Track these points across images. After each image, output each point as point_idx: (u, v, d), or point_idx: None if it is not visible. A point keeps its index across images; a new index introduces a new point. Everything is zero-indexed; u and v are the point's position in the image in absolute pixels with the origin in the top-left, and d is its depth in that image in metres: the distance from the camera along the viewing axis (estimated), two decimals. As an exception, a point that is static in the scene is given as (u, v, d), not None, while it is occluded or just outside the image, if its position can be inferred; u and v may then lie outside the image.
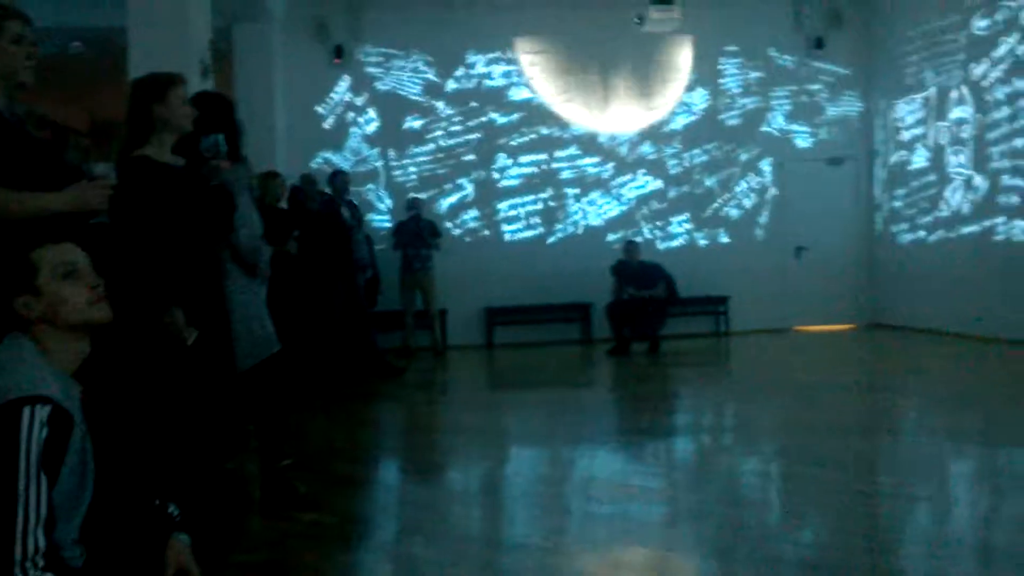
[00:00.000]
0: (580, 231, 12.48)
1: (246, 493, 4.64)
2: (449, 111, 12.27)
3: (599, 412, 7.84)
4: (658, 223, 12.58)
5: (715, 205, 12.67)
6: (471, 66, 12.31)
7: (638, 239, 11.91)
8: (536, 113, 12.36)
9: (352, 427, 7.18)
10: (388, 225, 11.85)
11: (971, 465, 5.46)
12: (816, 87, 12.74)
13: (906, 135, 12.11)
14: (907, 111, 12.05)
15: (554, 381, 9.63)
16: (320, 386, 8.29)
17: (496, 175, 12.36)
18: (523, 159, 12.38)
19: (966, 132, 10.91)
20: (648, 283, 10.87)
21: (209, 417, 3.69)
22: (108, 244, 3.22)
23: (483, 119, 12.31)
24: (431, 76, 12.24)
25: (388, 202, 12.16)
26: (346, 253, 9.08)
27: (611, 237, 12.31)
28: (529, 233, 12.43)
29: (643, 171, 12.55)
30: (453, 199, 12.29)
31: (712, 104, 12.61)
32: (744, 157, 12.68)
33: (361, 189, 11.76)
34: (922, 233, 11.80)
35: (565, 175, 12.45)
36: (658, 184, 12.57)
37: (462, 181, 12.30)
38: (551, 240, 12.45)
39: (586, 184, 12.48)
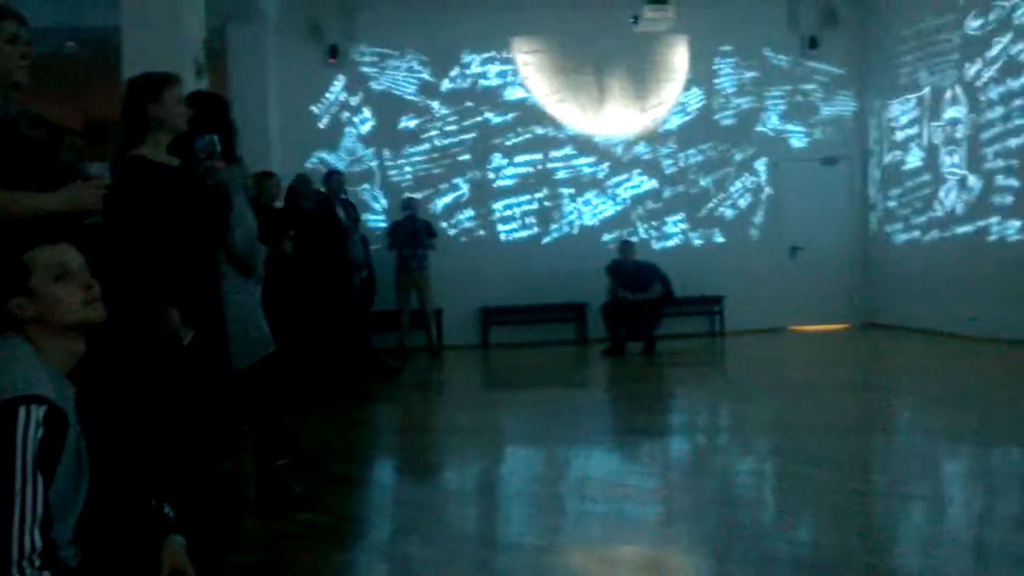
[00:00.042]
0: (575, 231, 12.49)
1: (242, 493, 4.64)
2: (444, 111, 12.27)
3: (594, 412, 7.85)
4: (653, 223, 12.60)
5: (710, 205, 12.69)
6: (466, 66, 12.31)
7: (633, 239, 11.92)
8: (531, 113, 12.37)
9: (347, 427, 7.18)
10: (383, 225, 11.85)
11: (965, 464, 5.47)
12: (811, 87, 12.77)
13: (900, 135, 12.14)
14: (901, 111, 12.08)
15: (549, 381, 9.64)
16: (316, 386, 8.29)
17: (491, 175, 12.37)
18: (518, 159, 12.38)
19: (960, 132, 10.93)
20: (643, 283, 10.86)
21: (204, 417, 3.68)
22: (103, 244, 3.21)
23: (478, 119, 12.31)
24: (426, 76, 12.24)
25: (383, 202, 12.15)
26: (341, 253, 9.07)
27: (606, 237, 12.32)
28: (524, 233, 12.44)
29: (638, 171, 12.57)
30: (448, 199, 12.29)
31: (707, 104, 12.63)
32: (739, 157, 12.70)
33: (356, 189, 11.74)
34: (916, 233, 11.83)
35: (560, 175, 12.46)
36: (653, 184, 12.59)
37: (457, 181, 12.30)
38: (546, 240, 12.46)
39: (581, 184, 12.49)
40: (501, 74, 12.37)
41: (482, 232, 12.35)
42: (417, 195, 11.88)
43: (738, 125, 12.66)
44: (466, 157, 12.30)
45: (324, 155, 11.99)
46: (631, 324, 10.84)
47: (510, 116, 12.34)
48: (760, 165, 12.73)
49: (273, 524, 4.34)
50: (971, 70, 10.69)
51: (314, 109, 12.06)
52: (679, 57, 12.54)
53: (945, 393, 7.71)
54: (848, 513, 4.34)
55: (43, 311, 2.21)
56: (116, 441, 2.29)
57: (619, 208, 12.54)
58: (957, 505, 4.61)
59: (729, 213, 12.72)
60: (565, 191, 12.47)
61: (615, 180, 12.53)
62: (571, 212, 12.49)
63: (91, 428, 2.22)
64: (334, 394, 8.42)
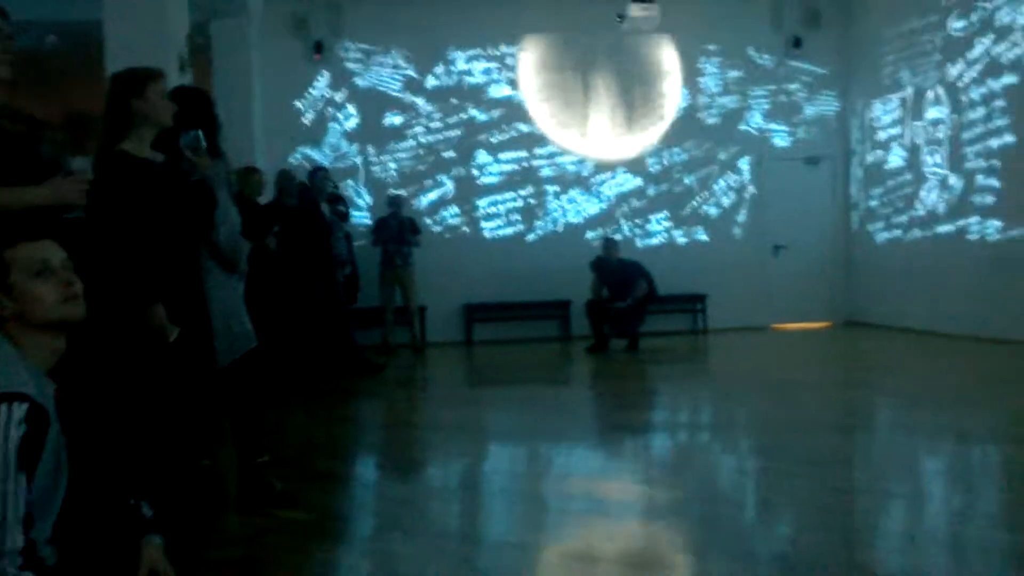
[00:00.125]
0: (560, 228, 12.51)
1: (222, 490, 4.62)
2: (429, 107, 12.25)
3: (578, 409, 7.86)
4: (637, 221, 12.62)
5: (694, 203, 12.73)
6: (451, 63, 12.30)
7: (617, 237, 11.94)
8: (516, 110, 12.37)
9: (330, 423, 7.17)
10: (367, 222, 11.82)
11: (945, 461, 5.52)
12: (794, 86, 12.82)
13: (882, 135, 12.21)
14: (884, 111, 12.16)
15: (533, 378, 9.65)
16: (299, 382, 8.27)
17: (476, 172, 12.36)
18: (503, 156, 12.38)
19: (942, 132, 11.01)
20: (627, 280, 10.88)
21: (186, 414, 3.67)
22: (84, 239, 3.19)
23: (463, 116, 12.30)
24: (411, 72, 12.22)
25: (367, 198, 12.12)
26: (325, 249, 9.05)
27: (590, 235, 12.34)
28: (509, 230, 12.44)
29: (622, 169, 12.59)
30: (433, 196, 12.28)
31: (691, 103, 12.66)
32: (723, 156, 12.74)
33: (340, 185, 11.70)
34: (898, 232, 11.91)
35: (545, 172, 12.47)
36: (637, 182, 12.62)
37: (442, 178, 12.29)
38: (531, 237, 12.47)
39: (566, 181, 12.51)
40: (486, 71, 12.36)
41: (466, 229, 12.35)
42: (402, 192, 11.86)
43: (722, 124, 12.71)
44: (451, 154, 12.29)
45: (308, 151, 11.96)
46: (615, 322, 10.86)
47: (495, 113, 12.33)
48: (744, 164, 12.78)
49: (254, 520, 4.32)
50: (953, 71, 10.77)
51: (298, 104, 12.02)
52: (664, 56, 12.56)
53: (926, 391, 7.77)
54: (829, 510, 4.37)
55: (22, 308, 2.19)
56: (95, 439, 2.28)
57: (603, 206, 12.56)
58: (937, 502, 4.65)
59: (713, 211, 12.76)
60: (550, 188, 12.48)
61: (599, 178, 12.55)
62: (555, 210, 12.51)
63: (70, 426, 2.20)
64: (317, 390, 8.40)
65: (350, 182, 12.04)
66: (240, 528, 4.30)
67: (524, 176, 12.43)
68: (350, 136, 12.17)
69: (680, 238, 12.71)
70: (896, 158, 11.94)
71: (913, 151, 11.58)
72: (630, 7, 11.05)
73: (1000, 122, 10.05)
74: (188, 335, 3.61)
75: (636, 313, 10.91)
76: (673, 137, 12.63)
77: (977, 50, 10.35)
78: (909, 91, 11.60)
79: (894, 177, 11.98)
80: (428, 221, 12.07)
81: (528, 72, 12.40)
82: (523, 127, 12.38)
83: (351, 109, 12.14)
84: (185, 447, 3.72)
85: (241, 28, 10.47)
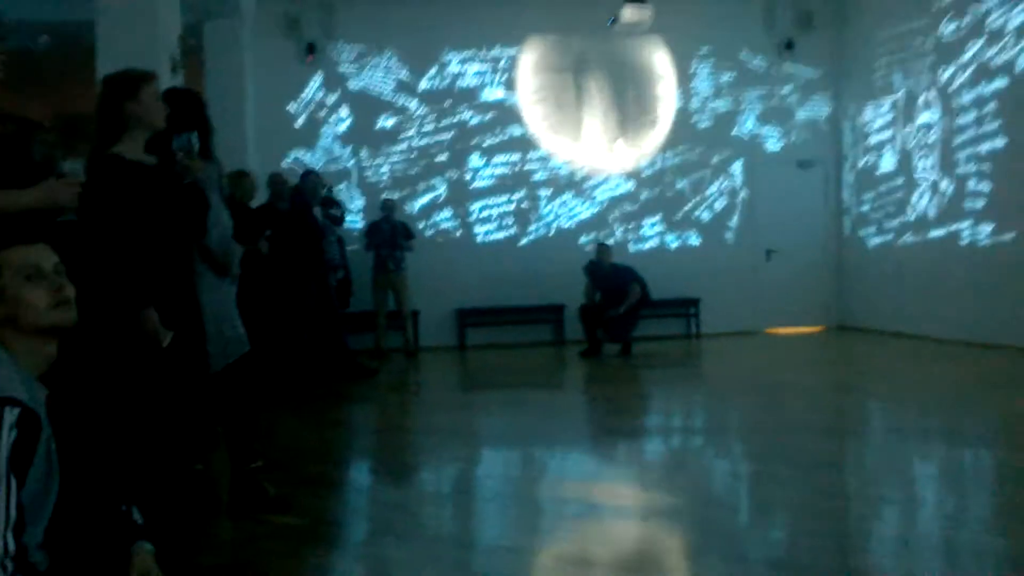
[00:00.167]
0: (552, 233, 12.50)
1: (215, 495, 4.60)
2: (422, 111, 12.24)
3: (571, 413, 7.85)
4: (630, 225, 12.63)
5: (686, 207, 12.74)
6: (445, 65, 12.29)
7: (610, 241, 11.94)
8: (509, 113, 12.36)
9: (323, 428, 7.14)
10: (359, 225, 11.80)
11: (938, 465, 5.52)
12: (786, 90, 12.85)
13: (874, 139, 12.25)
14: (875, 115, 12.19)
15: (526, 383, 9.63)
16: (291, 387, 8.24)
17: (469, 175, 12.35)
18: (496, 159, 12.37)
19: (933, 136, 11.05)
20: (619, 285, 10.87)
21: (179, 418, 3.65)
22: (76, 242, 3.17)
23: (456, 119, 12.29)
24: (404, 75, 12.21)
25: (359, 202, 12.10)
26: (318, 253, 9.03)
27: (583, 239, 12.34)
28: (501, 234, 12.43)
29: (615, 173, 12.59)
30: (425, 199, 12.26)
31: (684, 106, 12.68)
32: (715, 160, 12.76)
33: (334, 189, 11.68)
34: (890, 236, 11.94)
35: (538, 176, 12.47)
36: (630, 186, 12.62)
37: (435, 181, 12.28)
38: (523, 242, 12.46)
39: (558, 185, 12.51)
40: (479, 74, 12.35)
41: (459, 233, 12.34)
42: (394, 195, 11.84)
43: (714, 128, 12.72)
44: (444, 157, 12.28)
45: (300, 154, 11.93)
46: (608, 326, 10.86)
47: (488, 116, 12.33)
48: (736, 168, 12.80)
49: (247, 526, 4.30)
50: (945, 74, 10.80)
51: (291, 107, 11.99)
52: (656, 59, 12.58)
53: (917, 395, 7.79)
54: (822, 514, 4.36)
55: (11, 313, 2.17)
56: (87, 445, 2.26)
57: (596, 210, 12.56)
58: (929, 506, 4.66)
59: (705, 216, 12.77)
60: (542, 192, 12.48)
61: (592, 182, 12.55)
62: (548, 214, 12.50)
63: (62, 431, 2.19)
64: (310, 395, 8.37)
65: (342, 185, 12.00)
66: (233, 533, 4.28)
67: (517, 180, 12.43)
68: (343, 139, 12.14)
69: (673, 242, 12.71)
70: (888, 162, 11.97)
71: (905, 155, 11.61)
72: (623, 10, 11.06)
73: (991, 126, 10.09)
74: (181, 339, 3.59)
75: (629, 318, 10.91)
76: (666, 141, 12.63)
77: (969, 54, 10.38)
78: (901, 95, 11.64)
79: (886, 181, 12.01)
80: (421, 225, 12.05)
81: (521, 75, 12.39)
82: (516, 130, 12.38)
83: (343, 112, 12.12)
84: (178, 452, 3.69)
85: (233, 29, 10.44)
